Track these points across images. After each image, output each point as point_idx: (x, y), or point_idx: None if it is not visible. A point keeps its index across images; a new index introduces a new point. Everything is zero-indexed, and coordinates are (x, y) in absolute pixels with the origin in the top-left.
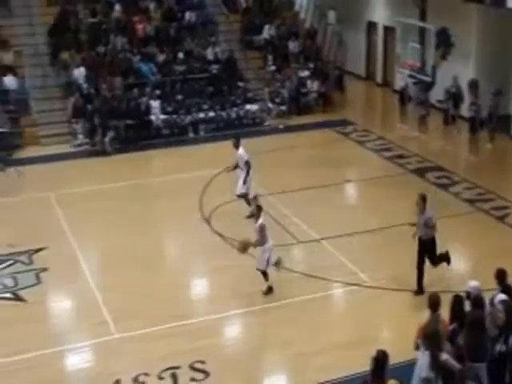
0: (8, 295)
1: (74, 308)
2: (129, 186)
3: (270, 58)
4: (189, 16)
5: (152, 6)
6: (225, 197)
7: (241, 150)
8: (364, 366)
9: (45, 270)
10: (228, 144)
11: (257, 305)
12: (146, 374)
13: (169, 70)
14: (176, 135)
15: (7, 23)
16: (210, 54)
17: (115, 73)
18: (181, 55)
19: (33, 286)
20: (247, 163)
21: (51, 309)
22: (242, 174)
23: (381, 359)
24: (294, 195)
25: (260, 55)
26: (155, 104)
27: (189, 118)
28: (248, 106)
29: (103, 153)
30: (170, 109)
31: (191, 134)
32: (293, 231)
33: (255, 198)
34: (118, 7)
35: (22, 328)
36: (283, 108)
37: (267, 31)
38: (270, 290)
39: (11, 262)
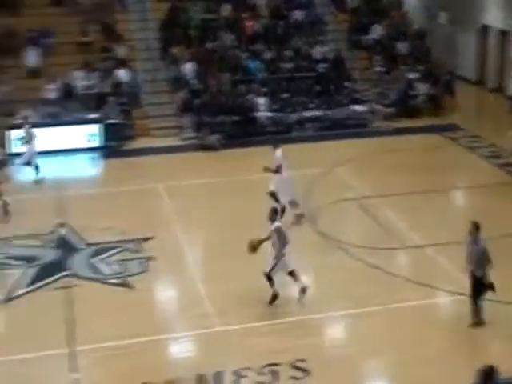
0: (116, 281)
1: (179, 298)
2: (234, 181)
3: (377, 58)
4: (296, 14)
5: (261, 2)
6: (328, 197)
7: (278, 153)
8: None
9: (152, 258)
10: (333, 144)
11: (360, 307)
12: (247, 369)
13: (276, 68)
14: (281, 133)
15: (122, 18)
16: (317, 52)
17: (224, 69)
18: (288, 53)
19: (140, 273)
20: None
21: (157, 297)
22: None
23: (488, 373)
24: (399, 199)
25: (367, 55)
26: (261, 101)
27: (294, 117)
28: (355, 107)
29: (210, 147)
30: (275, 106)
31: (296, 133)
32: (397, 235)
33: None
34: (227, 4)
35: (129, 314)
36: (390, 110)
37: (376, 31)
38: (274, 299)
39: (120, 249)
